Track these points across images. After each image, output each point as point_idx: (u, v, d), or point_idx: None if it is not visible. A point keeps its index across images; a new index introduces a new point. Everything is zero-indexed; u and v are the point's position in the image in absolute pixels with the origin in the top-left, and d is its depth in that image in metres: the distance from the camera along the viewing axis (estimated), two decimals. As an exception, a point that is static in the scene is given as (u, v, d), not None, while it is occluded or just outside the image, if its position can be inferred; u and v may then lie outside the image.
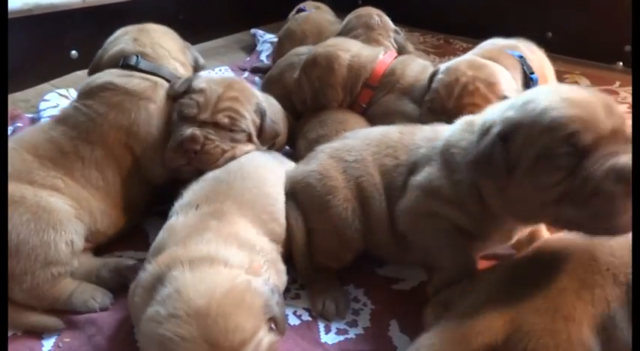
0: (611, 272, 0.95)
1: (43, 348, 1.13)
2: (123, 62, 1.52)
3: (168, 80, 1.54)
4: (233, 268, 0.98)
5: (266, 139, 1.52)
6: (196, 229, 1.09)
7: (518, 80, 1.60)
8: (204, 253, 1.01)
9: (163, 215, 1.38)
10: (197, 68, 1.76)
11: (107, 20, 2.54)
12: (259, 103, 1.51)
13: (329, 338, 1.18)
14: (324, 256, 1.30)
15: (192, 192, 1.26)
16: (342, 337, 1.18)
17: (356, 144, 1.36)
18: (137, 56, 1.52)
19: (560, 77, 2.82)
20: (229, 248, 1.06)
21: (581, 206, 0.92)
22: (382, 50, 1.87)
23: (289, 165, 1.51)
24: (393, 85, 1.73)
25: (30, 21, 2.24)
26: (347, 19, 2.27)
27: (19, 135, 1.49)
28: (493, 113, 1.09)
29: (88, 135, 1.40)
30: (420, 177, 1.19)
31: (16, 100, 2.30)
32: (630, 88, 2.71)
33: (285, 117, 1.80)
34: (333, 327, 1.21)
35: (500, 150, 1.00)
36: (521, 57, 1.67)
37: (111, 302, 1.25)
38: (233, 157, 1.41)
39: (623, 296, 0.93)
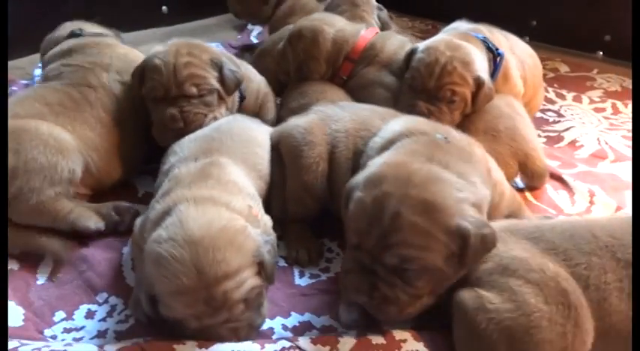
0: (609, 249, 1.01)
1: (37, 281, 1.22)
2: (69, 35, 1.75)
3: None
4: (234, 212, 1.07)
5: (230, 88, 1.57)
6: (200, 176, 1.18)
7: (485, 58, 1.70)
8: (207, 195, 1.10)
9: (152, 173, 1.52)
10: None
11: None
12: (212, 57, 1.56)
13: (302, 281, 1.29)
14: (294, 203, 1.39)
15: (187, 148, 1.33)
16: (314, 280, 1.29)
17: (344, 116, 1.44)
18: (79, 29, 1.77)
19: (542, 63, 2.88)
20: (231, 194, 1.15)
21: None
22: (364, 26, 1.95)
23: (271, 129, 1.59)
24: (373, 58, 1.82)
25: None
26: None
27: (19, 94, 1.60)
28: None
29: (85, 80, 1.54)
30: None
31: (11, 67, 2.34)
32: (607, 75, 2.81)
33: (268, 86, 1.87)
34: (307, 272, 1.32)
35: None
36: (484, 38, 1.76)
37: (102, 229, 1.36)
38: (215, 119, 1.50)
39: (622, 271, 0.98)
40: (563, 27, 3.21)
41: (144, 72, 1.51)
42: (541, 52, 3.06)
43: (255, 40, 2.97)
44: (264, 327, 1.12)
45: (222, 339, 0.98)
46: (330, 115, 1.45)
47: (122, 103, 1.58)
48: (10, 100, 1.50)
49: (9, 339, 0.98)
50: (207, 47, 1.60)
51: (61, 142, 1.36)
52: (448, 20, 3.46)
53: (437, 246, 0.96)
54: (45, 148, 1.33)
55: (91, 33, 1.80)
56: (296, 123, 1.46)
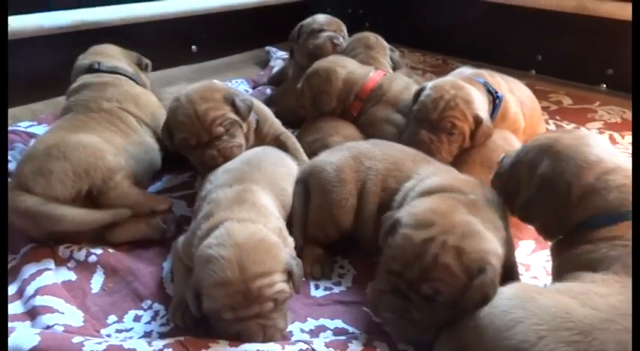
0: None
1: (92, 290, 1.42)
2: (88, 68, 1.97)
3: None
4: (269, 231, 1.29)
5: (245, 115, 1.74)
6: (236, 201, 1.38)
7: (485, 100, 1.88)
8: (247, 216, 1.31)
9: (186, 199, 1.81)
10: (141, 65, 2.17)
11: (138, 36, 2.88)
12: (224, 94, 1.71)
13: (317, 293, 1.47)
14: (316, 230, 1.57)
15: (221, 178, 1.53)
16: (328, 292, 1.47)
17: (376, 154, 1.60)
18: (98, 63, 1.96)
19: (546, 96, 3.07)
20: (265, 216, 1.36)
21: None
22: (373, 69, 2.18)
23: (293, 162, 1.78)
24: (380, 98, 2.04)
25: (73, 35, 2.54)
26: (349, 41, 2.57)
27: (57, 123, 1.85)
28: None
29: (87, 108, 1.82)
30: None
31: (57, 103, 2.55)
32: (609, 107, 2.94)
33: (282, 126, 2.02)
34: (322, 285, 1.49)
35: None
36: (485, 82, 1.94)
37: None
38: (241, 147, 1.71)
39: None
40: (568, 61, 3.37)
41: (170, 128, 1.71)
42: (546, 84, 3.27)
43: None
44: (284, 331, 1.31)
45: (251, 334, 1.17)
46: (363, 153, 1.61)
47: (125, 119, 1.84)
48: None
49: (73, 336, 1.18)
50: (215, 86, 1.75)
51: (96, 143, 1.64)
52: (457, 55, 3.72)
53: (460, 284, 1.14)
54: (85, 149, 1.59)
55: (107, 68, 1.99)
56: (329, 160, 1.61)
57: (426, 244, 1.15)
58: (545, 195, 1.25)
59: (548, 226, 1.30)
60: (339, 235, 1.59)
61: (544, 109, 2.71)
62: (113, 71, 1.99)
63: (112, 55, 2.09)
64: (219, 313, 1.17)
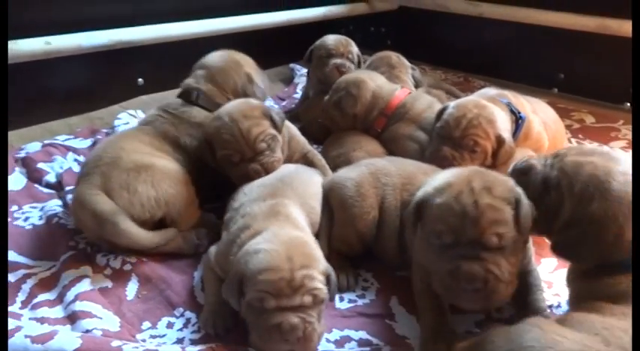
0: None
1: (127, 298, 1.49)
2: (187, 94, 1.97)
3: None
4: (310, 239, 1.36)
5: (280, 127, 1.81)
6: (271, 213, 1.45)
7: (508, 119, 1.92)
8: (285, 226, 1.38)
9: (215, 211, 1.85)
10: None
11: (169, 55, 3.00)
12: (262, 110, 1.77)
13: (342, 305, 1.51)
14: (340, 243, 1.62)
15: (255, 192, 1.59)
16: (352, 304, 1.51)
17: (392, 170, 1.65)
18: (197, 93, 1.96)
19: (568, 114, 3.08)
20: (299, 227, 1.43)
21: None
22: (399, 87, 2.24)
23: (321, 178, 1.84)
24: (404, 115, 2.10)
25: (109, 53, 2.66)
26: (369, 60, 2.66)
27: (120, 132, 1.98)
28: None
29: (165, 134, 1.87)
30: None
31: (92, 117, 2.72)
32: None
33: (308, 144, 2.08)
34: (346, 298, 1.53)
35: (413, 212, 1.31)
36: (508, 103, 1.98)
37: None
38: (280, 161, 1.78)
39: None
40: (590, 79, 3.37)
41: (212, 145, 1.76)
42: (568, 103, 3.28)
43: (300, 92, 3.29)
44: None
45: (293, 326, 1.16)
46: (380, 169, 1.66)
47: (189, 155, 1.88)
48: (115, 137, 1.87)
49: (112, 340, 1.24)
50: (253, 104, 1.81)
51: (177, 170, 1.74)
52: (479, 73, 3.75)
53: (510, 217, 1.20)
54: (170, 180, 1.69)
55: (201, 103, 1.96)
56: (348, 175, 1.67)
57: (459, 198, 1.20)
58: (591, 233, 1.18)
59: (584, 258, 1.23)
60: (363, 248, 1.64)
61: (567, 127, 2.71)
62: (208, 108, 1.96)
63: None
64: (262, 302, 1.19)
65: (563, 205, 1.22)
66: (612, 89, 3.29)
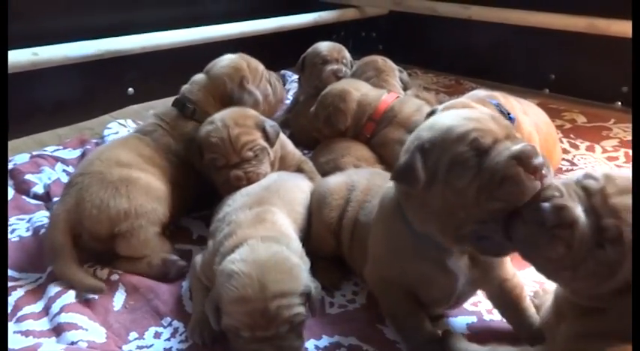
0: None
1: (114, 308, 1.47)
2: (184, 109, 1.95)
3: None
4: (291, 252, 1.30)
5: (273, 141, 1.81)
6: (258, 220, 1.42)
7: None
8: (270, 235, 1.35)
9: (204, 219, 1.85)
10: None
11: (158, 64, 3.00)
12: (256, 121, 1.78)
13: (332, 310, 1.49)
14: (314, 244, 1.60)
15: (239, 201, 1.57)
16: (342, 309, 1.50)
17: (362, 186, 1.60)
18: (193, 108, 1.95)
19: (559, 114, 3.09)
20: (287, 237, 1.39)
21: (494, 197, 1.04)
22: (386, 92, 2.24)
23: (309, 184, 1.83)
24: (392, 119, 2.09)
25: (97, 63, 2.66)
26: (356, 66, 2.65)
27: (119, 139, 1.94)
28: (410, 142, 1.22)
29: (166, 147, 1.87)
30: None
31: (82, 127, 2.71)
32: (624, 125, 2.94)
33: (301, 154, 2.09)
34: (336, 303, 1.52)
35: (419, 158, 1.13)
36: (497, 104, 1.97)
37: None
38: (266, 174, 1.76)
39: None
40: (582, 79, 3.40)
41: (201, 148, 1.76)
42: (560, 103, 3.29)
43: (292, 98, 3.28)
44: (300, 348, 1.33)
45: None
46: (354, 182, 1.64)
47: (183, 165, 1.87)
48: (111, 144, 1.89)
49: (96, 351, 1.23)
50: (247, 112, 1.83)
51: (157, 191, 1.71)
52: (470, 75, 3.76)
53: None
54: (148, 195, 1.66)
55: (196, 118, 1.93)
56: (327, 182, 1.69)
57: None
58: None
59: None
60: (330, 249, 1.63)
61: (558, 127, 2.71)
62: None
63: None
64: (237, 330, 1.18)
65: (624, 262, 0.95)
66: (603, 88, 3.32)
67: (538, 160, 1.04)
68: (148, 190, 1.68)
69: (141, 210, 1.62)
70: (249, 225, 1.39)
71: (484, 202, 1.06)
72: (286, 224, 1.47)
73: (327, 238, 1.62)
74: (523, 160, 1.03)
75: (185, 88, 2.03)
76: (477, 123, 1.12)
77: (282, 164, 1.94)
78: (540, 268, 1.07)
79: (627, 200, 0.97)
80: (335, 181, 1.68)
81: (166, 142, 1.88)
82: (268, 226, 1.40)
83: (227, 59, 2.07)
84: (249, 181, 1.72)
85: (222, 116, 1.78)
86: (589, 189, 1.01)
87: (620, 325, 0.97)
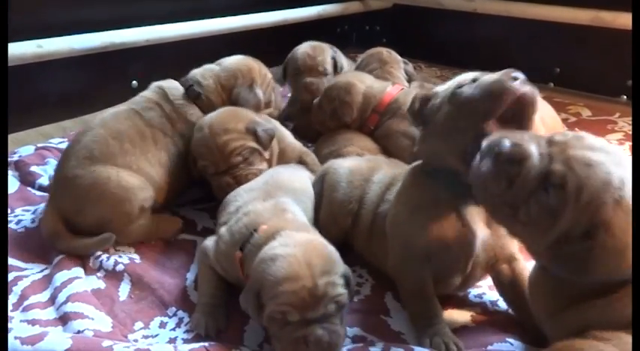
0: None
1: (120, 298, 1.48)
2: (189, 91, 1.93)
3: None
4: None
5: (266, 144, 1.81)
6: (278, 210, 1.41)
7: None
8: (300, 224, 1.38)
9: (209, 211, 1.89)
10: None
11: (162, 56, 2.99)
12: (246, 125, 1.77)
13: (336, 302, 1.49)
14: (323, 224, 1.60)
15: (247, 195, 1.56)
16: (347, 301, 1.49)
17: (384, 169, 1.62)
18: (198, 93, 1.93)
19: (564, 108, 3.08)
20: (309, 227, 1.40)
21: (483, 101, 1.22)
22: (390, 84, 2.23)
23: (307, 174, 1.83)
24: (396, 111, 2.08)
25: (101, 56, 2.66)
26: (360, 58, 2.64)
27: (103, 119, 1.84)
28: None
29: (162, 127, 1.83)
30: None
31: (86, 120, 2.68)
32: (629, 118, 2.93)
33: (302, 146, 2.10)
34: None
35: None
36: None
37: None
38: (257, 173, 1.76)
39: None
40: (586, 73, 3.38)
41: (193, 155, 1.79)
42: (565, 97, 3.28)
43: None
44: (304, 338, 1.34)
45: (318, 338, 1.12)
46: (376, 165, 1.65)
47: (178, 152, 1.86)
48: (98, 127, 1.78)
49: (103, 340, 1.23)
50: (239, 115, 1.81)
51: (128, 189, 1.68)
52: (474, 68, 3.72)
53: None
54: (125, 193, 1.67)
55: (199, 104, 1.93)
56: (344, 163, 1.69)
57: None
58: (600, 246, 0.97)
59: (596, 273, 1.00)
60: (339, 234, 1.61)
61: (563, 120, 2.71)
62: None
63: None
64: (284, 315, 1.14)
65: (564, 211, 0.98)
66: (608, 82, 3.30)
67: (519, 73, 1.21)
68: (124, 189, 1.67)
69: (120, 210, 1.66)
70: (271, 215, 1.39)
71: (480, 113, 1.20)
72: (301, 215, 1.47)
73: (340, 220, 1.60)
74: (508, 73, 1.22)
75: (196, 71, 2.02)
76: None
77: (283, 157, 1.94)
78: (482, 201, 1.14)
79: (586, 154, 0.98)
80: (353, 162, 1.68)
81: (162, 127, 1.84)
82: (290, 216, 1.40)
83: (242, 58, 2.07)
84: (239, 184, 1.71)
85: (210, 122, 1.77)
86: (554, 140, 1.04)
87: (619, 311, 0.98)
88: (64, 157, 1.76)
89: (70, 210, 1.66)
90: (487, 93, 1.20)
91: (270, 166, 1.86)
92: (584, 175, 0.96)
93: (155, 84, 1.98)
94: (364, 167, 1.65)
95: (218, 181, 1.76)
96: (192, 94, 1.93)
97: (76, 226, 1.65)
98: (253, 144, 1.77)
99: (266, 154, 1.83)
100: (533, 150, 1.03)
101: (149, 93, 1.93)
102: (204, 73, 1.99)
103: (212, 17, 3.15)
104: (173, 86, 1.94)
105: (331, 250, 1.25)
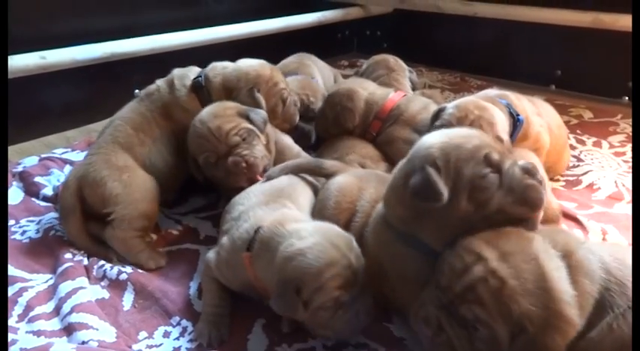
0: None
1: (124, 308, 1.49)
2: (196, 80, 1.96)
3: None
4: None
5: (261, 126, 1.81)
6: (282, 214, 1.41)
7: (507, 121, 1.86)
8: (298, 215, 1.41)
9: (211, 219, 1.90)
10: None
11: (164, 65, 3.00)
12: (237, 110, 1.79)
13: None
14: None
15: (253, 197, 1.55)
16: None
17: (371, 187, 1.57)
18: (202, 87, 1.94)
19: (566, 110, 3.07)
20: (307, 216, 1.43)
21: (518, 204, 1.19)
22: (392, 90, 2.24)
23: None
24: (398, 117, 2.09)
25: (104, 66, 2.67)
26: (366, 64, 2.64)
27: (122, 111, 1.99)
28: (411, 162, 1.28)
29: (166, 111, 1.91)
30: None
31: (90, 130, 2.74)
32: (631, 120, 2.92)
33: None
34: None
35: (435, 173, 1.18)
36: (508, 104, 1.94)
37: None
38: (263, 157, 1.77)
39: None
40: (588, 75, 3.39)
41: (192, 154, 1.80)
42: (566, 99, 3.28)
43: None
44: (307, 346, 1.35)
45: (367, 312, 1.23)
46: (362, 179, 1.62)
47: (176, 140, 1.90)
48: (117, 115, 1.97)
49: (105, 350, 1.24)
50: (227, 104, 1.82)
51: (153, 192, 1.78)
52: (476, 72, 3.75)
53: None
54: (145, 196, 1.75)
55: (201, 95, 1.95)
56: (336, 181, 1.63)
57: None
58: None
59: None
60: None
61: (565, 123, 2.66)
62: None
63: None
64: (336, 300, 1.18)
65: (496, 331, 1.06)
66: (610, 84, 3.30)
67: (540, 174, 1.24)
68: (145, 188, 1.76)
69: (130, 199, 1.70)
70: (275, 218, 1.38)
71: (509, 207, 1.19)
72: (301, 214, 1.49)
73: None
74: (533, 173, 1.22)
75: (215, 64, 2.05)
76: (479, 140, 1.23)
77: (281, 157, 1.94)
78: None
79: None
80: (346, 178, 1.64)
81: (159, 107, 1.91)
82: (286, 210, 1.43)
83: (257, 62, 2.06)
84: (248, 164, 1.71)
85: (200, 116, 1.79)
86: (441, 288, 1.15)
87: None
88: (99, 140, 1.88)
89: (93, 177, 1.71)
90: (522, 201, 1.20)
91: (269, 152, 1.86)
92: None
93: (174, 70, 2.05)
94: (355, 188, 1.58)
95: (225, 166, 1.72)
96: (195, 85, 1.96)
97: (88, 199, 1.72)
98: (248, 125, 1.77)
99: (263, 138, 1.82)
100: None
101: (162, 79, 2.02)
102: (215, 68, 2.02)
103: (214, 25, 3.17)
104: (183, 74, 1.99)
105: (337, 227, 1.30)
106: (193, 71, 2.01)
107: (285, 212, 1.43)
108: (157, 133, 1.88)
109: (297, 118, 2.16)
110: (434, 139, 1.26)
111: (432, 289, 1.16)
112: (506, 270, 1.04)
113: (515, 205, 1.20)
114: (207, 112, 1.80)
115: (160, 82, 1.99)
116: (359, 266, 1.21)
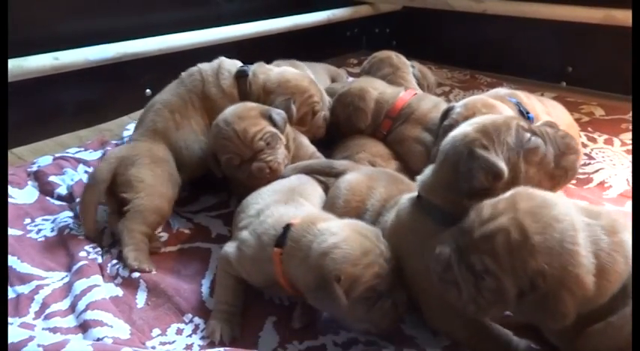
0: None
1: (137, 305, 1.51)
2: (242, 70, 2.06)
3: None
4: None
5: (282, 127, 1.83)
6: (311, 213, 1.44)
7: None
8: (325, 214, 1.43)
9: (222, 218, 1.92)
10: None
11: (175, 65, 3.03)
12: (262, 111, 1.81)
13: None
14: None
15: (267, 197, 1.57)
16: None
17: (380, 185, 1.57)
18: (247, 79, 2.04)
19: (577, 108, 3.05)
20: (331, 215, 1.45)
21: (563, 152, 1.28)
22: (403, 89, 2.24)
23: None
24: (409, 116, 2.09)
25: (116, 66, 2.70)
26: (369, 62, 2.63)
27: (162, 94, 2.09)
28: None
29: (202, 93, 2.01)
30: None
31: (102, 129, 2.77)
32: (643, 117, 2.90)
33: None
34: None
35: (486, 153, 1.20)
36: (517, 102, 1.93)
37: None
38: (284, 160, 1.80)
39: None
40: (599, 72, 3.35)
41: (215, 152, 1.82)
42: (577, 96, 3.25)
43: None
44: (317, 344, 1.36)
45: (403, 302, 1.28)
46: (372, 178, 1.61)
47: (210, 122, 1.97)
48: (157, 98, 2.06)
49: (122, 348, 1.26)
50: (249, 105, 1.86)
51: (174, 192, 1.87)
52: (486, 69, 3.73)
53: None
54: (165, 193, 1.83)
55: (240, 84, 2.05)
56: (347, 178, 1.64)
57: None
58: (551, 293, 1.06)
59: (563, 314, 1.07)
60: None
61: (576, 120, 2.67)
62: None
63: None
64: (375, 288, 1.23)
65: (502, 281, 1.05)
66: (621, 81, 3.24)
67: None
68: (169, 187, 1.83)
69: (152, 191, 1.77)
70: (294, 215, 1.42)
71: (559, 160, 1.27)
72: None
73: None
74: (558, 126, 1.35)
75: (259, 63, 2.14)
76: (503, 115, 1.41)
77: (297, 154, 1.96)
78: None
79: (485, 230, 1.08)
80: (356, 176, 1.64)
81: (199, 88, 2.01)
82: (311, 208, 1.48)
83: (298, 74, 2.12)
84: (272, 170, 1.74)
85: (224, 116, 1.81)
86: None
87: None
88: (145, 122, 2.00)
89: (133, 160, 1.80)
90: (565, 148, 1.30)
91: (289, 151, 1.88)
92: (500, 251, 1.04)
93: (221, 57, 2.13)
94: (364, 186, 1.58)
95: (247, 170, 1.74)
96: (241, 73, 2.04)
97: (117, 178, 1.78)
98: (272, 128, 1.79)
99: (284, 139, 1.85)
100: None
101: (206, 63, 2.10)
102: (262, 66, 2.11)
103: (223, 25, 3.18)
104: (231, 62, 2.09)
105: (363, 222, 1.37)
106: (235, 64, 2.11)
107: (312, 211, 1.46)
108: (192, 113, 1.97)
109: (324, 132, 2.18)
110: (464, 129, 1.30)
111: (456, 229, 1.15)
112: (533, 225, 1.02)
113: (560, 157, 1.27)
114: (230, 112, 1.81)
115: (203, 65, 2.08)
116: (389, 256, 1.26)
